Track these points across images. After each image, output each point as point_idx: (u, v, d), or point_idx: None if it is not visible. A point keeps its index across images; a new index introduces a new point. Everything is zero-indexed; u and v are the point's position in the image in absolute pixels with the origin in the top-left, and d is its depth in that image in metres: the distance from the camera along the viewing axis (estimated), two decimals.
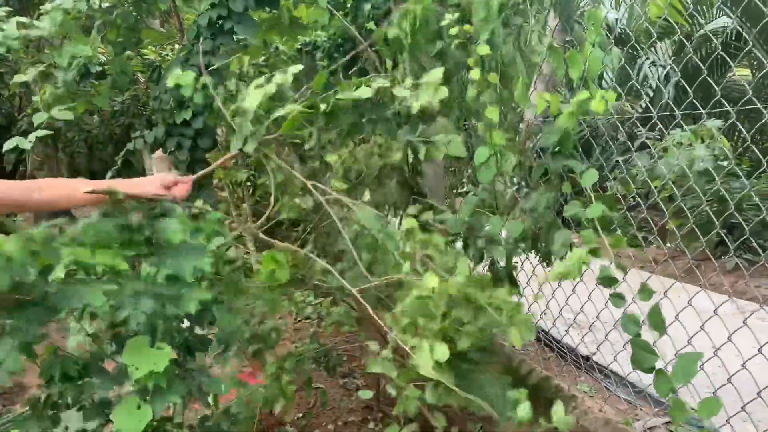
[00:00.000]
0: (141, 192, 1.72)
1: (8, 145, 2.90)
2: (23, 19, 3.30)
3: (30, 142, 2.81)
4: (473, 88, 2.38)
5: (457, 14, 2.47)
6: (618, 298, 1.97)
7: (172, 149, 3.09)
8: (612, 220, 2.01)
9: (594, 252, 2.05)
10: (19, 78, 3.13)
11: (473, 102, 2.44)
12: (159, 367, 1.53)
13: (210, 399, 2.59)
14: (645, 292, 1.86)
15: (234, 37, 3.07)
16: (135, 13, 3.26)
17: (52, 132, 2.99)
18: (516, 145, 2.40)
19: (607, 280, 1.98)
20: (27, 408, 1.92)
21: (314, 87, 2.35)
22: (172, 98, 3.05)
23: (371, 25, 3.62)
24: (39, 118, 2.91)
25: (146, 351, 1.58)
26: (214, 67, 2.91)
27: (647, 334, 1.82)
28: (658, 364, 1.79)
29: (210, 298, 1.69)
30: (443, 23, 2.52)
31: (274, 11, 3.33)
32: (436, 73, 2.08)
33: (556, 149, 2.17)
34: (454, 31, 2.47)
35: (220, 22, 2.97)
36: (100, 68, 3.38)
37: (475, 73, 2.34)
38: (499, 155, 2.30)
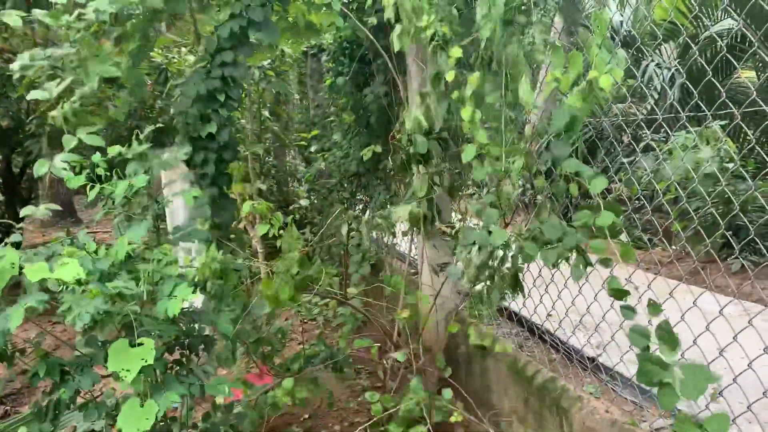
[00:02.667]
0: None
1: (37, 170, 2.77)
2: (22, 14, 3.29)
3: (64, 169, 2.70)
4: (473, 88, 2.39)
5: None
6: (629, 311, 1.95)
7: (198, 163, 3.06)
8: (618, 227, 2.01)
9: (605, 262, 2.05)
10: (38, 95, 3.11)
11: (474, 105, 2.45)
12: (150, 360, 1.54)
13: (217, 399, 2.61)
14: (653, 307, 1.85)
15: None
16: (149, 23, 3.25)
17: (82, 157, 2.94)
18: (521, 147, 2.41)
19: (617, 293, 1.97)
20: (33, 410, 1.96)
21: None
22: (197, 112, 3.03)
23: (373, 20, 3.63)
24: (68, 142, 2.86)
25: (128, 351, 1.59)
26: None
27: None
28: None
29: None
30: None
31: (284, 15, 3.34)
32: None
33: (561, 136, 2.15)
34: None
35: (240, 31, 2.94)
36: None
37: (473, 79, 2.35)
38: (496, 156, 2.31)
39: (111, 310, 1.59)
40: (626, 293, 1.95)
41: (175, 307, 1.66)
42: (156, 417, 1.66)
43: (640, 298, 1.96)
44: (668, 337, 1.78)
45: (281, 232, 2.92)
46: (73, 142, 2.43)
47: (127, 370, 1.51)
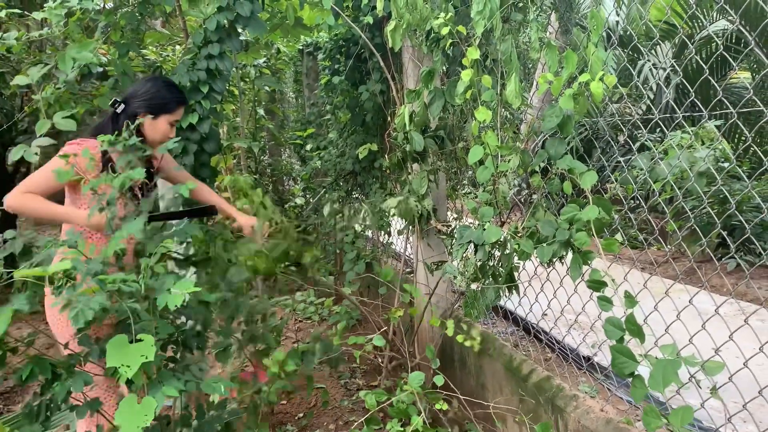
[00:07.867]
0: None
1: (13, 155, 2.84)
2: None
3: (35, 154, 2.73)
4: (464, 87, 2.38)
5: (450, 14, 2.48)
6: (606, 302, 1.97)
7: (177, 153, 3.07)
8: (610, 223, 2.00)
9: (586, 255, 2.05)
10: (20, 80, 3.11)
11: (466, 104, 2.45)
12: (150, 356, 1.51)
13: (212, 398, 2.59)
14: (629, 300, 1.86)
15: (240, 39, 3.07)
16: (138, 15, 3.25)
17: (55, 142, 2.93)
18: (517, 146, 2.40)
19: (595, 284, 1.98)
20: (25, 411, 1.93)
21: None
22: None
23: (369, 18, 3.62)
24: (42, 126, 2.86)
25: (127, 348, 1.56)
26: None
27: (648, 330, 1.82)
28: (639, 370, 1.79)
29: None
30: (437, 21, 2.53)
31: (277, 12, 3.34)
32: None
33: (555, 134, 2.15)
34: (445, 30, 2.47)
35: (227, 25, 2.96)
36: (101, 69, 3.37)
37: (467, 74, 2.34)
38: (496, 155, 2.30)
39: (108, 307, 1.57)
40: (603, 284, 1.97)
41: (177, 300, 1.63)
42: (154, 413, 1.64)
43: (635, 297, 1.95)
44: (636, 329, 1.79)
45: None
46: (46, 126, 2.39)
47: (128, 366, 1.48)
